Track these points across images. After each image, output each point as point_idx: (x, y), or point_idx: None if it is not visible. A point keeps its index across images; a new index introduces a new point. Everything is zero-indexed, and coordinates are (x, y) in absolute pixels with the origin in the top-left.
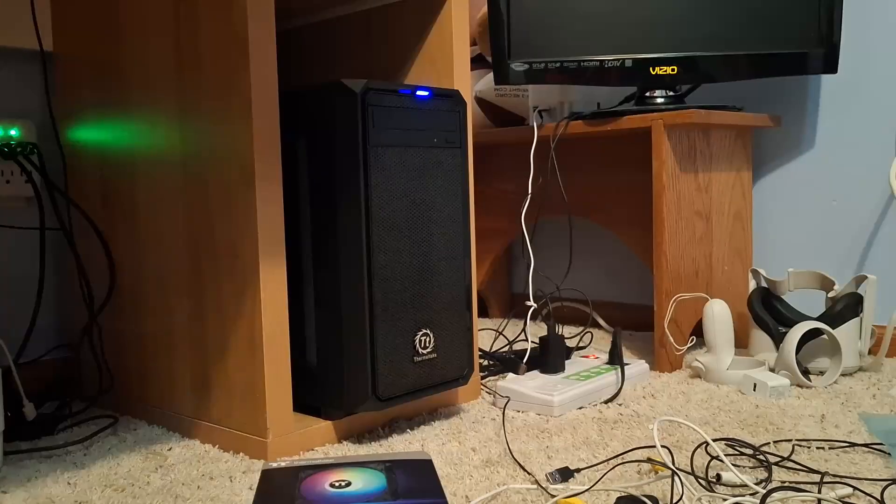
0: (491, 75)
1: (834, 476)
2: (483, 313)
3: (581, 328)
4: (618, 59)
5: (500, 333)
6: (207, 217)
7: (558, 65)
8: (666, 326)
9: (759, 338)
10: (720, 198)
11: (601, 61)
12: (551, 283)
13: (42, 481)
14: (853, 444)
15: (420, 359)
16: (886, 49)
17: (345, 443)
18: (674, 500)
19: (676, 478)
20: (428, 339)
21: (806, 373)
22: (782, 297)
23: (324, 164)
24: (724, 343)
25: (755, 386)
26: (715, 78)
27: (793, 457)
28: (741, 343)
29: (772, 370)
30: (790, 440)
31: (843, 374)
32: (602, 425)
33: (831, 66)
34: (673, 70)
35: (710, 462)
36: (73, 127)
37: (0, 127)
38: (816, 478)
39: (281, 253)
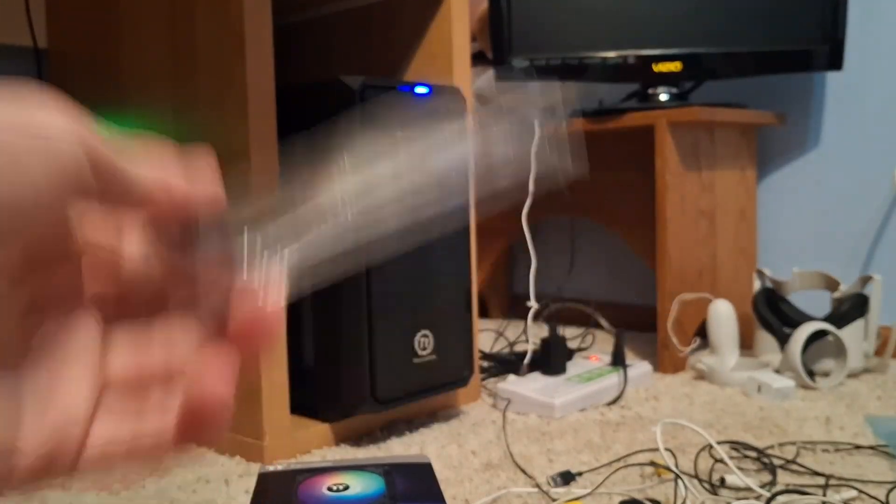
0: (491, 72)
1: (839, 479)
2: (483, 314)
3: (583, 329)
4: (620, 56)
5: (501, 334)
6: None
7: (560, 61)
8: (669, 327)
9: (764, 339)
10: (724, 197)
11: (603, 58)
12: (553, 283)
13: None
14: (859, 447)
15: (419, 360)
16: (892, 45)
17: (343, 446)
18: None
19: (680, 481)
20: (427, 341)
21: (811, 374)
22: (787, 297)
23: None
24: (728, 344)
25: (760, 388)
26: (719, 75)
27: (798, 459)
28: (746, 344)
29: (777, 372)
30: (795, 443)
31: (848, 376)
32: (604, 428)
33: (836, 62)
34: (676, 67)
35: (713, 465)
36: None
37: None
38: (821, 481)
39: None
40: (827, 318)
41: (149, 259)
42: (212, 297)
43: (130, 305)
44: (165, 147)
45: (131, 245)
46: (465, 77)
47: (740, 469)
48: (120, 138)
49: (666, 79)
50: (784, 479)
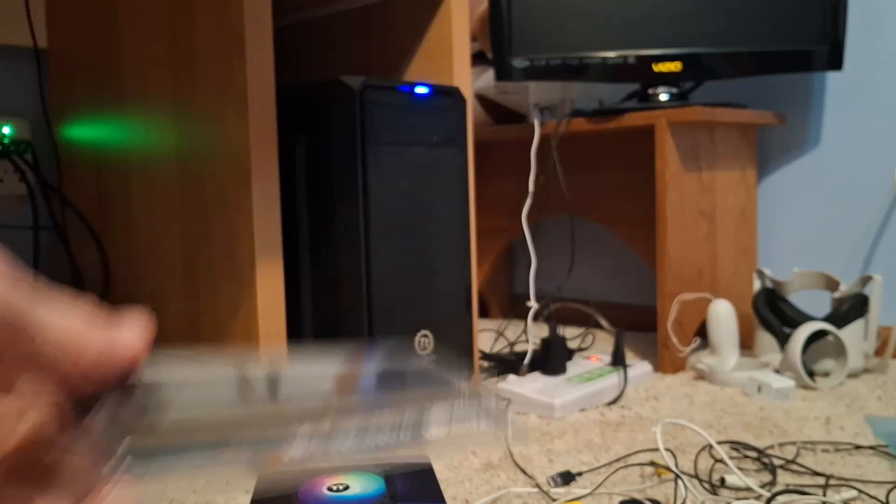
0: (491, 72)
1: (839, 479)
2: (483, 314)
3: (583, 329)
4: (620, 56)
5: (501, 334)
6: (203, 216)
7: (560, 61)
8: (669, 327)
9: (764, 339)
10: (724, 197)
11: (603, 58)
12: (553, 283)
13: None
14: (859, 447)
15: None
16: (892, 45)
17: None
18: None
19: (680, 481)
20: (427, 341)
21: (811, 374)
22: (787, 297)
23: (321, 163)
24: (728, 344)
25: (760, 388)
26: (719, 75)
27: (798, 459)
28: (746, 344)
29: (777, 372)
30: (795, 443)
31: (848, 376)
32: (604, 428)
33: (836, 62)
34: (676, 67)
35: (713, 465)
36: (68, 125)
37: None
38: (821, 481)
39: (278, 252)
40: (827, 318)
41: (44, 422)
42: (80, 479)
43: (10, 469)
44: (94, 309)
45: (26, 404)
46: (465, 77)
47: (740, 469)
48: (46, 292)
49: (666, 79)
50: (784, 479)
